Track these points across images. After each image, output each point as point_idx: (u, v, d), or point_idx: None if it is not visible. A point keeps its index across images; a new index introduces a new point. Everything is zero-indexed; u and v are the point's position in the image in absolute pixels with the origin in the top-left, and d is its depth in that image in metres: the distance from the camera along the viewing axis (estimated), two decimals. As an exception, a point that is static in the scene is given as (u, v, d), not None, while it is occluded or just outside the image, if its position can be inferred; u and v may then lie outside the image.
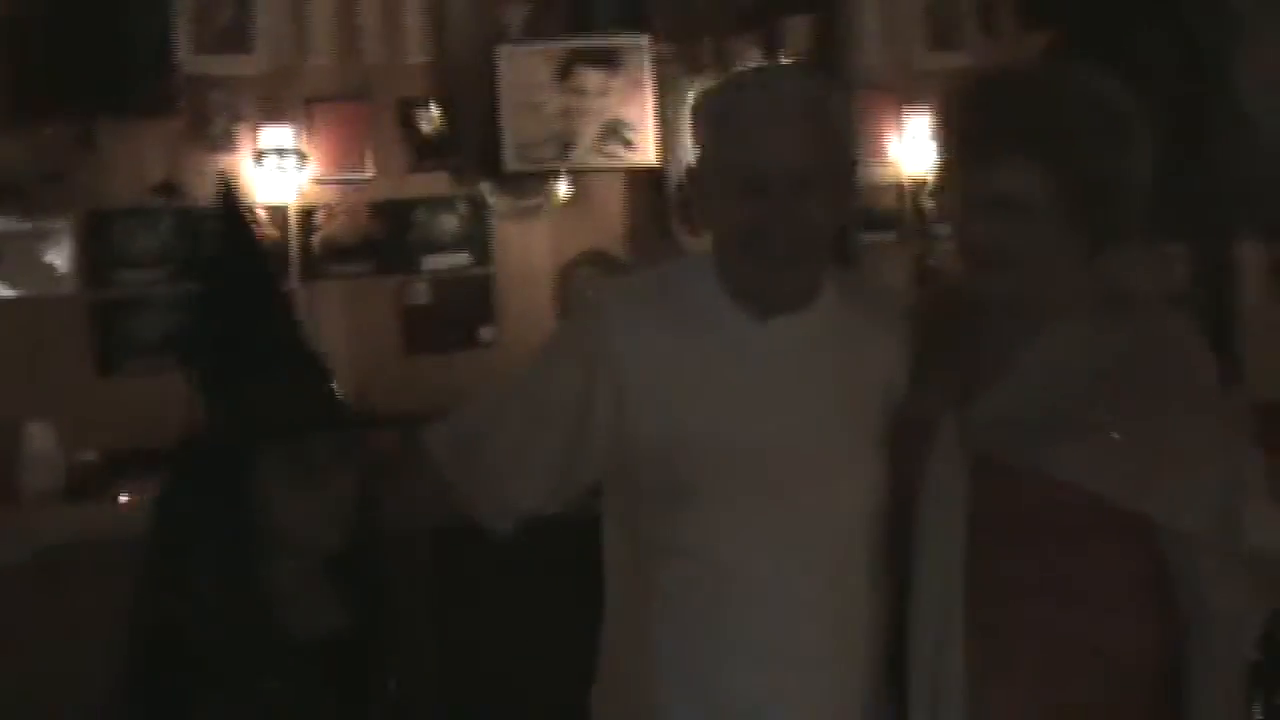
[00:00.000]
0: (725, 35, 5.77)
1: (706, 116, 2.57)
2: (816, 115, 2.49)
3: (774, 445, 2.50)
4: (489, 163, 5.90)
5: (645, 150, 5.88)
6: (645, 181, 6.10)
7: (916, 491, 2.49)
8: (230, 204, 2.39)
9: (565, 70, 5.84)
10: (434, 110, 5.86)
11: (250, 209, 2.44)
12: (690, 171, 2.67)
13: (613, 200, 6.18)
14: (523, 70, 5.83)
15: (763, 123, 2.46)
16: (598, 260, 6.17)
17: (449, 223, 6.00)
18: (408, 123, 5.89)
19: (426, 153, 5.90)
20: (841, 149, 2.54)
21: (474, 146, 5.91)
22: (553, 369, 2.64)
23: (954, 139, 2.54)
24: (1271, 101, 4.19)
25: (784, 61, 5.34)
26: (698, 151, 2.59)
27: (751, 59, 5.71)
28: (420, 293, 5.97)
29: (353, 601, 2.27)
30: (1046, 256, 2.44)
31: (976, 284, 2.51)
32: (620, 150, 5.89)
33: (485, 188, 5.97)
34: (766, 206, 2.43)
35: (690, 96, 5.80)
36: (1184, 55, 4.41)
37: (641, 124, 5.86)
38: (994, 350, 2.51)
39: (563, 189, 6.04)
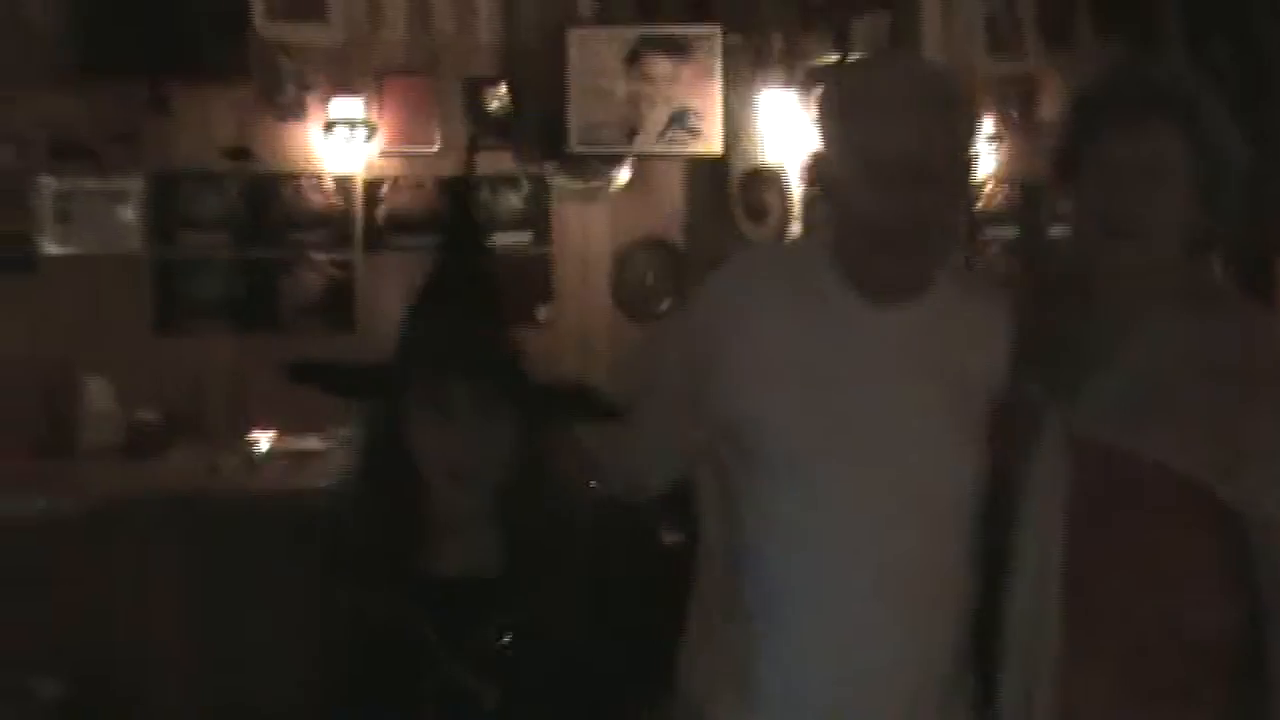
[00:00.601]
0: (794, 30, 5.81)
1: (837, 100, 2.56)
2: (944, 105, 2.49)
3: (874, 427, 2.51)
4: (553, 144, 5.96)
5: (711, 140, 5.92)
6: (707, 170, 6.16)
7: (1019, 475, 2.53)
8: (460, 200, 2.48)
9: (634, 56, 5.88)
10: (502, 89, 5.92)
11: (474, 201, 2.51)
12: (817, 156, 2.67)
13: (673, 188, 6.26)
14: (592, 54, 5.88)
15: (893, 109, 2.44)
16: (655, 246, 6.25)
17: (511, 201, 6.07)
18: (475, 100, 5.95)
19: (492, 131, 5.95)
20: (965, 140, 2.55)
21: (539, 128, 5.98)
22: (664, 340, 2.69)
23: (1093, 113, 2.56)
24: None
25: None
26: (825, 135, 2.57)
27: (820, 55, 5.75)
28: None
29: (505, 545, 2.31)
30: (1175, 230, 2.49)
31: (1106, 255, 2.54)
32: (685, 138, 5.92)
33: (548, 168, 6.05)
34: (893, 195, 2.42)
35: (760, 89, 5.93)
36: (1251, 64, 4.43)
37: (708, 113, 5.90)
38: (1100, 336, 2.55)
39: (624, 174, 6.11)
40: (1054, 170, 2.61)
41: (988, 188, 6.41)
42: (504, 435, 2.23)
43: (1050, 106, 6.24)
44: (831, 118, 2.55)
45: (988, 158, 6.31)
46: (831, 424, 2.50)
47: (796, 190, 6.04)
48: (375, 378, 2.33)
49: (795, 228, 6.10)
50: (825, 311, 2.55)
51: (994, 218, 6.40)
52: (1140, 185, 2.45)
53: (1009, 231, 6.32)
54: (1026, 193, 6.42)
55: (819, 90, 2.66)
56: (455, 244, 2.33)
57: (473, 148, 5.22)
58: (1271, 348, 2.52)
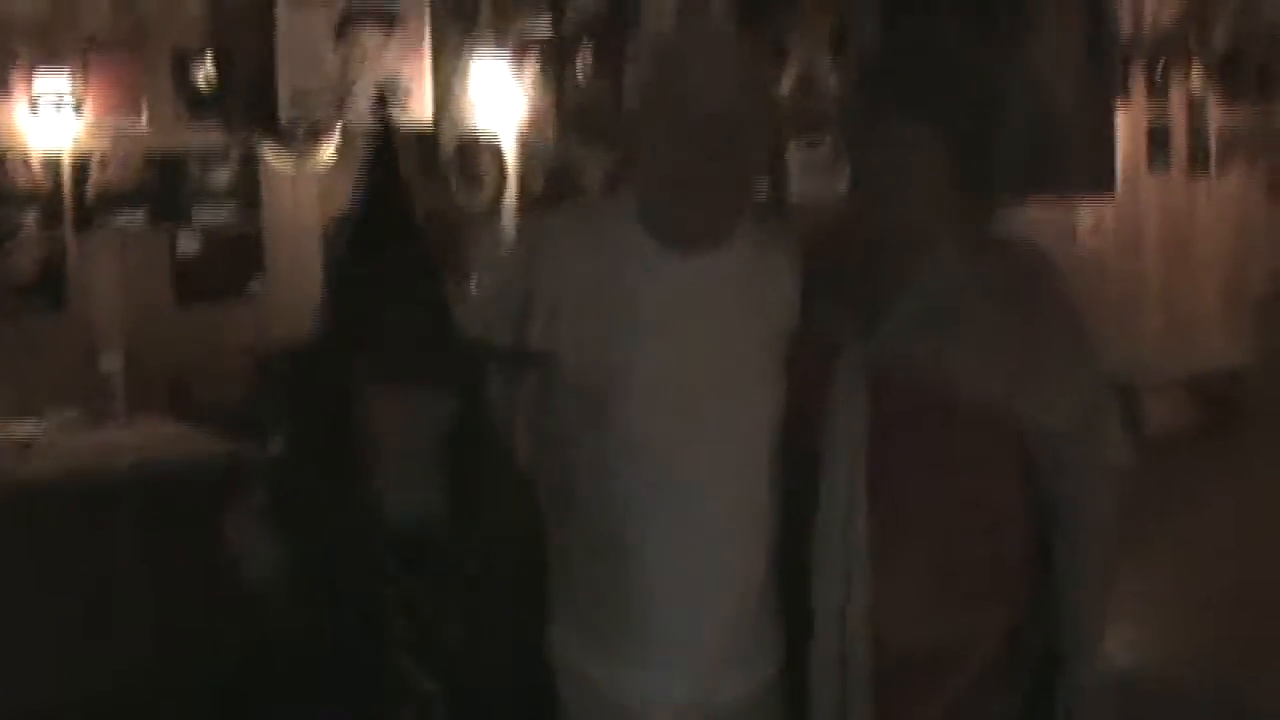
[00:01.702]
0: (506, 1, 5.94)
1: (644, 63, 2.77)
2: (741, 67, 2.72)
3: (683, 367, 2.68)
4: (263, 116, 5.93)
5: (420, 108, 6.01)
6: (415, 139, 6.15)
7: (821, 404, 2.75)
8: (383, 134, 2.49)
9: (343, 26, 5.91)
10: (208, 62, 5.86)
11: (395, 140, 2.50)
12: (627, 114, 2.85)
13: (380, 157, 6.25)
14: (301, 24, 5.88)
15: (695, 70, 2.65)
16: (363, 216, 6.24)
17: (221, 174, 6.01)
18: (183, 73, 5.88)
19: (200, 104, 5.89)
20: (759, 93, 2.78)
21: (248, 99, 5.94)
22: (495, 284, 2.82)
23: (853, 86, 2.80)
24: (1059, 73, 4.59)
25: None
26: (638, 97, 2.78)
27: (533, 28, 5.89)
28: (191, 243, 5.97)
29: (454, 497, 2.38)
30: (926, 187, 2.74)
31: (876, 215, 2.77)
32: (395, 107, 5.97)
33: (258, 141, 6.01)
34: (696, 147, 2.61)
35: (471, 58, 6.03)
36: (984, 32, 4.77)
37: (418, 83, 5.99)
38: (889, 276, 2.80)
39: (329, 145, 6.12)
40: (836, 136, 2.84)
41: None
42: (445, 396, 2.32)
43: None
44: (644, 81, 2.77)
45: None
46: (643, 367, 2.65)
47: (511, 157, 6.19)
48: (309, 358, 2.37)
49: (511, 194, 6.24)
50: (632, 261, 2.71)
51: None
52: (886, 157, 2.69)
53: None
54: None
55: (634, 54, 2.84)
56: (382, 206, 2.38)
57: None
58: (1041, 278, 2.82)
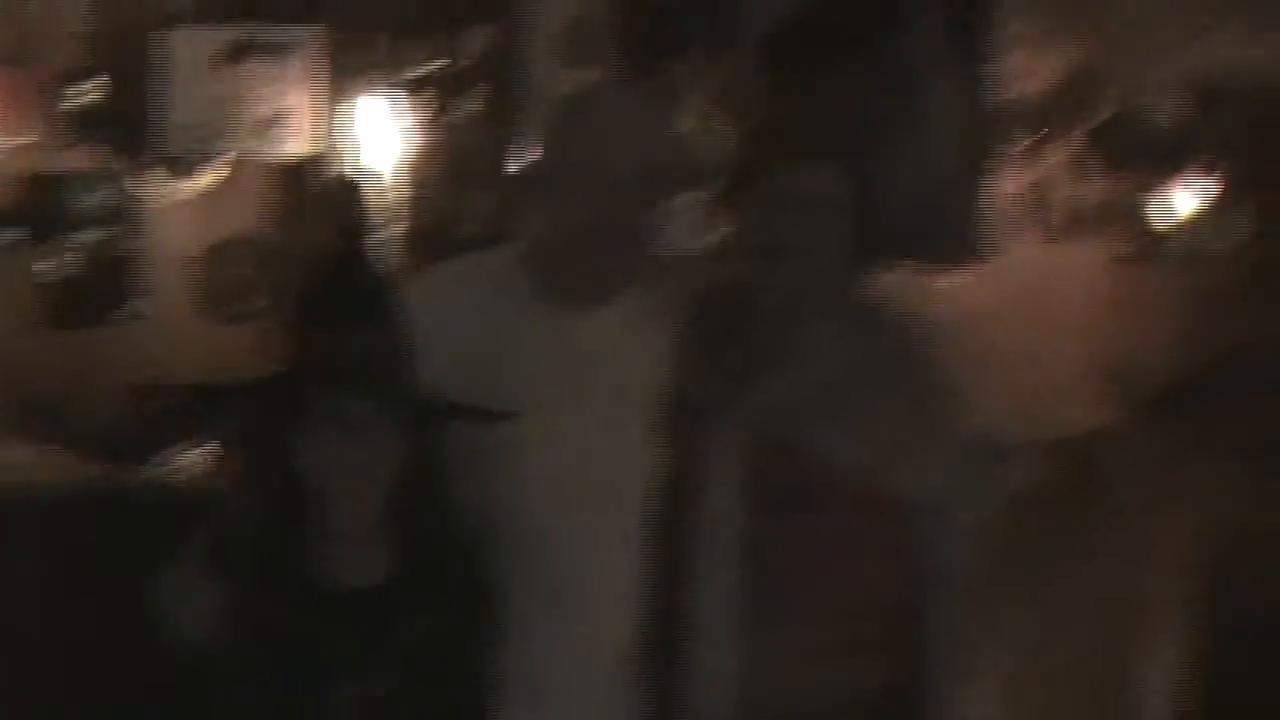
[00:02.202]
0: (399, 37, 5.95)
1: (553, 116, 2.83)
2: (640, 124, 2.80)
3: (566, 429, 2.73)
4: (147, 142, 5.88)
5: (308, 141, 5.99)
6: (301, 172, 6.19)
7: (698, 473, 2.82)
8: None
9: (233, 56, 5.88)
10: (94, 84, 5.80)
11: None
12: (526, 169, 2.89)
13: (264, 188, 6.24)
14: (189, 52, 5.84)
15: (595, 126, 2.74)
16: (245, 245, 6.24)
17: (103, 198, 5.94)
18: (66, 94, 5.80)
19: (83, 126, 5.83)
20: (657, 157, 2.81)
21: (133, 124, 5.88)
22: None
23: (752, 143, 2.88)
24: (935, 140, 4.69)
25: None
26: (539, 151, 2.83)
27: (425, 64, 5.91)
28: (70, 267, 5.89)
29: (402, 553, 2.40)
30: (830, 250, 2.81)
31: (766, 275, 2.84)
32: (283, 139, 5.96)
33: (141, 166, 5.95)
34: (592, 202, 2.68)
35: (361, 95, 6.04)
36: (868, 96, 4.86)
37: (306, 115, 5.96)
38: (766, 343, 2.86)
39: (217, 173, 6.08)
40: (721, 194, 2.91)
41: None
42: (392, 443, 2.34)
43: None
44: (555, 131, 2.82)
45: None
46: (527, 425, 2.65)
47: (394, 194, 6.21)
48: (261, 394, 2.38)
49: (391, 231, 6.25)
50: (520, 317, 2.76)
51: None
52: (794, 215, 2.77)
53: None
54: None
55: (542, 112, 2.90)
56: (346, 252, 2.41)
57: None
58: (919, 348, 2.91)
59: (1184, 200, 10.23)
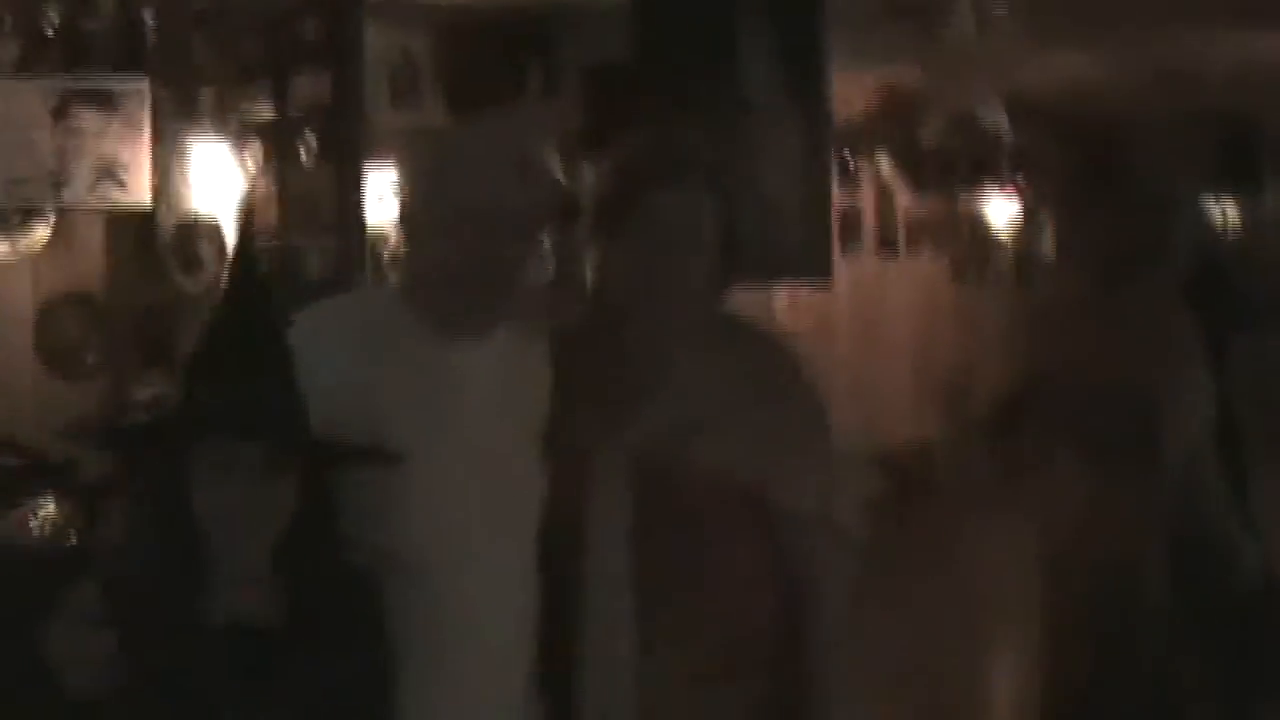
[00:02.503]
0: (229, 84, 5.93)
1: (428, 158, 2.85)
2: (519, 158, 2.79)
3: (448, 464, 2.71)
4: (-26, 198, 5.78)
5: (139, 192, 5.91)
6: (134, 223, 6.16)
7: (582, 502, 2.85)
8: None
9: (61, 107, 5.81)
10: (-83, 141, 5.69)
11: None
12: (404, 204, 2.90)
13: (96, 241, 6.20)
14: (16, 105, 5.76)
15: (479, 164, 2.73)
16: (79, 301, 6.17)
17: (-71, 258, 5.84)
18: (-111, 154, 5.69)
19: (-92, 184, 5.72)
20: (544, 191, 2.81)
21: (-40, 180, 5.79)
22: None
23: (633, 178, 2.92)
24: (776, 159, 4.79)
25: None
26: (418, 187, 2.84)
27: (257, 110, 5.89)
28: (-101, 328, 5.79)
29: (291, 595, 2.38)
30: (702, 275, 2.88)
31: (643, 301, 2.88)
32: (114, 191, 5.88)
33: (-32, 223, 5.86)
34: (476, 241, 2.67)
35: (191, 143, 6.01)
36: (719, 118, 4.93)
37: (137, 165, 5.88)
38: (643, 368, 2.92)
39: (44, 229, 6.00)
40: (594, 223, 2.96)
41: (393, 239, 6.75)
42: (286, 488, 2.35)
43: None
44: (431, 173, 2.82)
45: (383, 209, 6.65)
46: (410, 462, 2.63)
47: (230, 241, 6.17)
48: (154, 436, 2.37)
49: (229, 277, 6.20)
50: (401, 354, 2.75)
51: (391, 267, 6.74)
52: (669, 242, 2.83)
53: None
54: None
55: (409, 151, 2.93)
56: (239, 303, 2.40)
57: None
58: (786, 366, 2.99)
59: (999, 216, 10.55)
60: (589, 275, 2.98)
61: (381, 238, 6.60)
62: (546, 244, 2.84)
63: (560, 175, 2.94)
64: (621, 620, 2.81)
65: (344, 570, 2.45)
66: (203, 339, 2.38)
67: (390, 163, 6.43)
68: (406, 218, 2.85)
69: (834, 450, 3.00)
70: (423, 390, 2.73)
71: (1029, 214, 10.30)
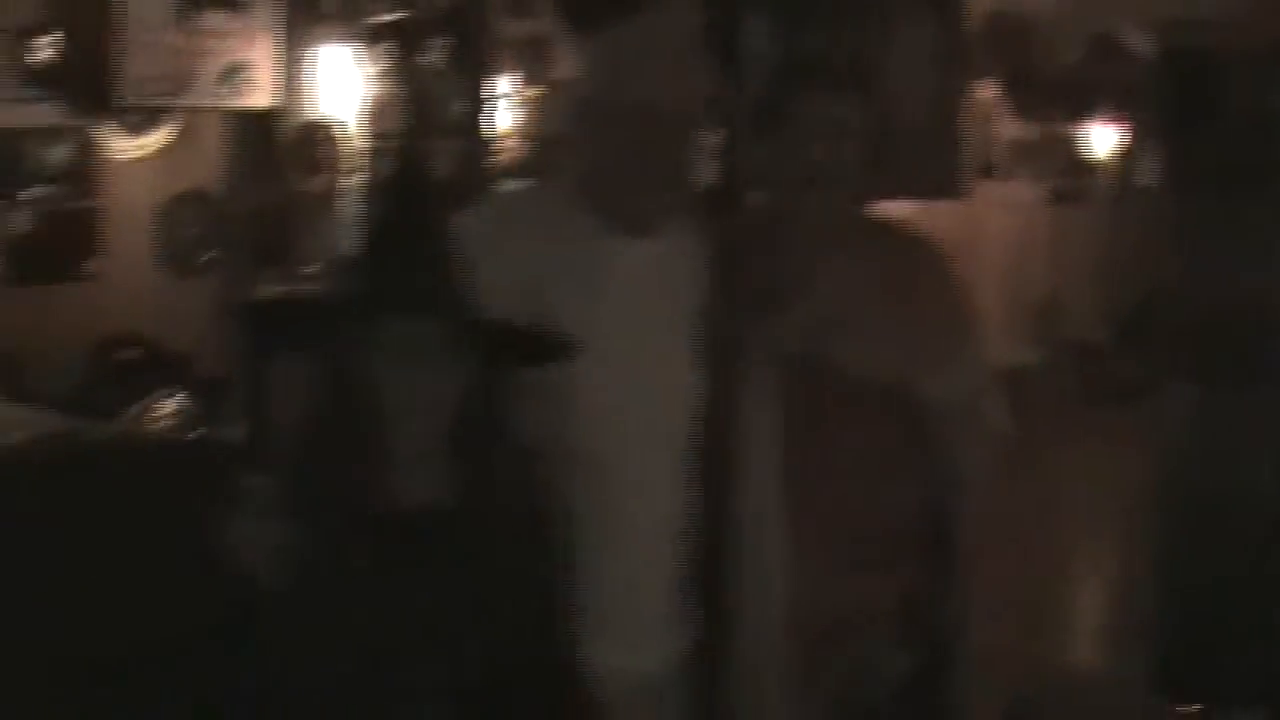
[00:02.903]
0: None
1: (598, 52, 2.90)
2: (692, 54, 2.85)
3: (622, 359, 2.79)
4: (103, 97, 5.87)
5: (264, 93, 6.02)
6: (255, 123, 6.25)
7: (730, 393, 2.92)
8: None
9: (189, 8, 5.88)
10: (49, 39, 5.78)
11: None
12: (576, 104, 2.95)
13: (218, 141, 6.29)
14: (143, 6, 5.82)
15: (650, 57, 2.78)
16: (198, 199, 6.27)
17: (58, 154, 5.92)
18: (23, 51, 5.77)
19: (38, 82, 5.81)
20: (708, 87, 2.88)
21: (89, 80, 5.87)
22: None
23: (781, 82, 2.98)
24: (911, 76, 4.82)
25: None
26: (585, 86, 2.86)
27: (382, 12, 5.94)
28: (25, 223, 5.89)
29: (463, 477, 2.44)
30: (853, 176, 2.94)
31: (799, 202, 2.96)
32: (240, 91, 5.99)
33: (97, 122, 5.95)
34: (650, 131, 2.73)
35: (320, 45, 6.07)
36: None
37: (262, 67, 5.99)
38: (795, 268, 2.97)
39: (168, 128, 6.09)
40: (749, 128, 3.01)
41: (508, 144, 6.82)
42: (456, 375, 2.39)
43: (564, 66, 6.68)
44: (603, 66, 2.85)
45: (504, 115, 6.72)
46: (592, 341, 2.70)
47: (353, 142, 6.25)
48: (323, 319, 2.45)
49: (352, 180, 6.29)
50: (573, 246, 2.82)
51: (514, 170, 6.83)
52: (824, 142, 2.90)
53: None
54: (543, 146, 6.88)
55: (591, 40, 2.96)
56: (404, 192, 2.45)
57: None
58: (931, 270, 3.05)
59: (1101, 141, 10.50)
60: (743, 177, 3.04)
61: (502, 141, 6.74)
62: (704, 144, 2.89)
63: (714, 76, 2.98)
64: (771, 512, 2.88)
65: (513, 455, 2.52)
66: (371, 228, 2.43)
67: (511, 69, 6.54)
68: (572, 115, 2.90)
69: (979, 346, 3.07)
70: (590, 283, 2.80)
71: (1132, 139, 10.26)
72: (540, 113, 6.80)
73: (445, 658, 2.41)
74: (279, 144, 6.18)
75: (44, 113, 5.89)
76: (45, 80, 5.82)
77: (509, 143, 6.76)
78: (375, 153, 6.24)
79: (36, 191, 5.89)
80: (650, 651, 2.86)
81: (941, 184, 4.77)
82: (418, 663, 2.40)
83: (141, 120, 6.04)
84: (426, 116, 6.09)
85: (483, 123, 5.78)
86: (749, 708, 2.91)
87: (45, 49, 5.81)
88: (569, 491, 2.69)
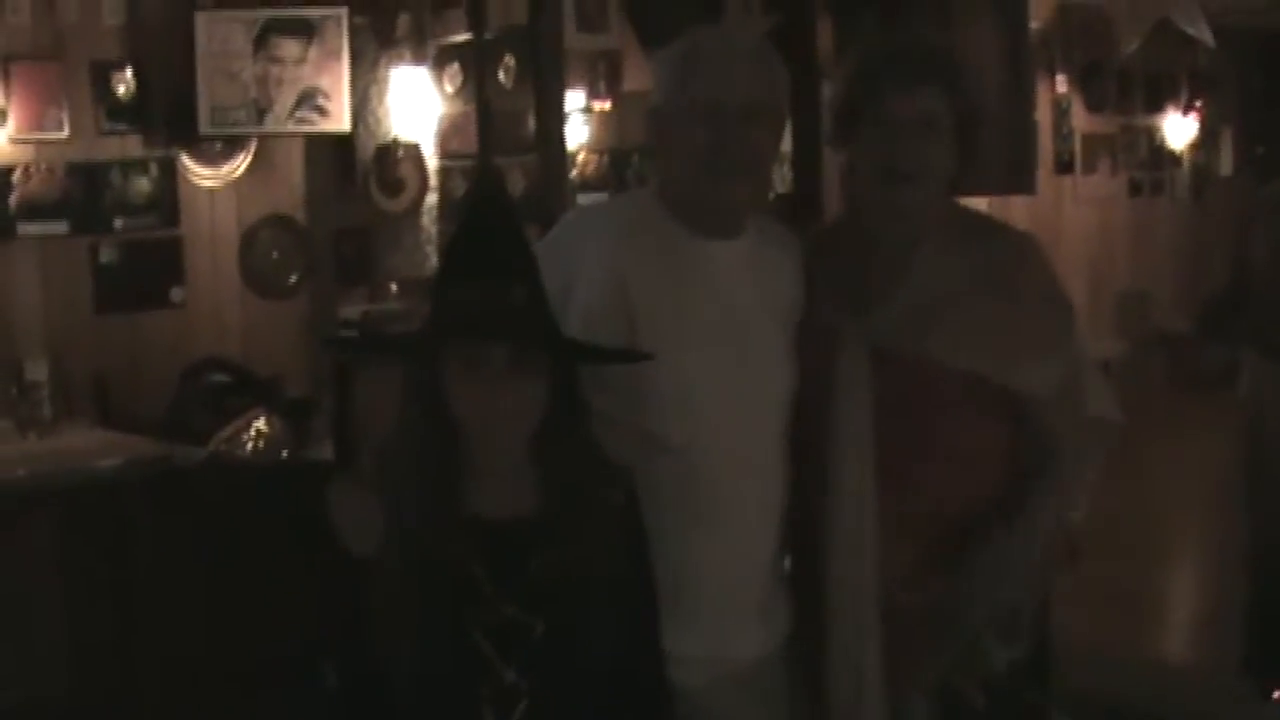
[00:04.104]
0: (422, 11, 6.07)
1: (672, 58, 2.97)
2: (764, 57, 2.94)
3: (716, 357, 2.87)
4: (182, 127, 6.02)
5: (339, 117, 6.10)
6: (330, 147, 6.38)
7: (825, 386, 2.97)
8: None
9: (262, 38, 6.01)
10: (128, 73, 5.92)
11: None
12: (653, 111, 3.01)
13: (295, 165, 6.42)
14: (219, 37, 5.97)
15: (723, 59, 2.88)
16: (279, 223, 6.40)
17: (141, 185, 6.08)
18: (103, 85, 5.94)
19: (120, 115, 5.97)
20: (781, 88, 2.96)
21: (168, 110, 6.03)
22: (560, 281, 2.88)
23: (872, 80, 3.02)
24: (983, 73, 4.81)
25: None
26: (667, 88, 2.93)
27: (450, 34, 6.02)
28: (112, 253, 6.04)
29: (544, 486, 2.49)
30: (944, 171, 2.97)
31: (887, 198, 2.98)
32: (314, 117, 6.08)
33: (177, 152, 6.11)
34: (724, 129, 2.82)
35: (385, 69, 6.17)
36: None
37: (335, 92, 6.07)
38: (886, 265, 3.01)
39: (246, 155, 6.23)
40: (835, 129, 3.05)
41: (580, 157, 6.89)
42: (536, 387, 2.44)
43: (632, 80, 6.75)
44: (669, 72, 2.93)
45: (580, 129, 6.78)
46: (682, 344, 2.82)
47: (431, 162, 6.34)
48: (413, 343, 2.52)
49: (432, 198, 6.39)
50: (660, 248, 2.89)
51: (587, 184, 6.89)
52: (915, 138, 2.93)
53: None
54: (615, 159, 6.94)
55: (657, 56, 3.01)
56: (484, 211, 2.51)
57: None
58: (1026, 262, 3.06)
59: (1178, 133, 10.46)
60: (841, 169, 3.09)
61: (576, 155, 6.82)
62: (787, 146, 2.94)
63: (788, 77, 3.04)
64: (865, 501, 2.92)
65: (596, 462, 2.56)
66: (453, 246, 2.49)
67: (583, 83, 6.61)
68: (657, 117, 2.96)
69: (1077, 338, 3.06)
70: (675, 282, 2.86)
71: (1206, 130, 10.21)
72: (613, 126, 6.88)
73: (534, 657, 2.46)
74: (357, 166, 6.28)
75: (127, 145, 6.06)
76: (127, 113, 5.99)
77: (583, 157, 6.84)
78: (451, 172, 6.34)
79: (121, 222, 6.06)
80: (744, 640, 2.92)
81: (1016, 180, 4.74)
82: (506, 661, 2.44)
83: (221, 149, 6.19)
84: (500, 134, 6.16)
85: (556, 138, 5.84)
86: (845, 698, 2.96)
87: (121, 83, 5.97)
88: (664, 483, 2.74)
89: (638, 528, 2.60)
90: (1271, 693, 4.95)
